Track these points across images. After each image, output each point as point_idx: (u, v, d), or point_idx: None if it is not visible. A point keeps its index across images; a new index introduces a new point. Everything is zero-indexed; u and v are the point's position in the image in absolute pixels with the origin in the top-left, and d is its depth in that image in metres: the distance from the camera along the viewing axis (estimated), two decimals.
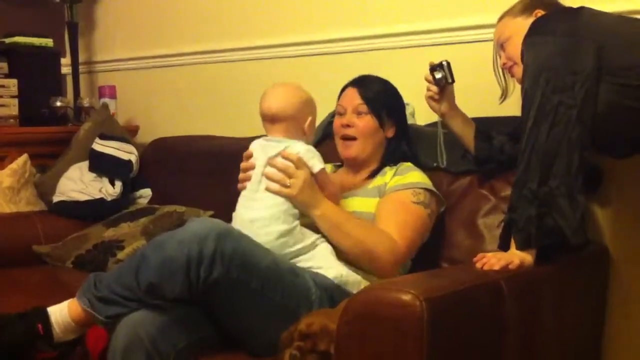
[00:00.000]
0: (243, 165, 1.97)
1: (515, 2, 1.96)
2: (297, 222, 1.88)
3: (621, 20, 1.76)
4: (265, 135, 2.00)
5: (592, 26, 1.71)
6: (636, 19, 1.78)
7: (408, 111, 2.32)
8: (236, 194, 1.98)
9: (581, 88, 1.64)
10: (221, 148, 2.75)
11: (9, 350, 1.71)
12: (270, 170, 1.91)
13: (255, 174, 1.93)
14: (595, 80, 1.64)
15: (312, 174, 1.92)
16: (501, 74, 2.02)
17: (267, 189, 1.90)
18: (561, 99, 1.64)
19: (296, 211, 1.90)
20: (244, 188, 1.95)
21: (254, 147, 1.98)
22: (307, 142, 1.98)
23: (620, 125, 1.70)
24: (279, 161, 1.91)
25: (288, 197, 1.88)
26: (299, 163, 1.90)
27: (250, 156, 1.96)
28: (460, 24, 2.33)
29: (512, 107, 2.11)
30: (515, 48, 1.84)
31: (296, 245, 1.87)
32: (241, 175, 1.97)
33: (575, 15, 1.74)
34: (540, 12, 1.87)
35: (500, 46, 1.95)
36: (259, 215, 1.87)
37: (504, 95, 2.03)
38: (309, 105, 1.99)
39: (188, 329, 1.71)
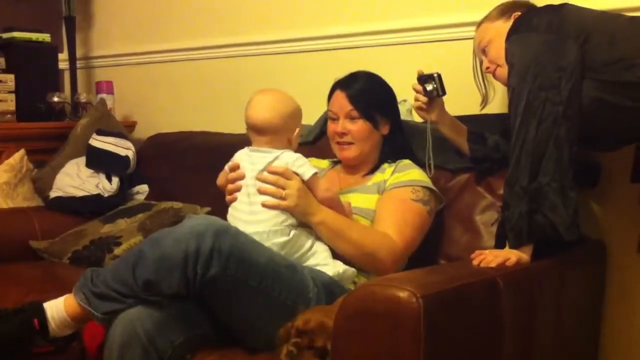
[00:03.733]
0: (231, 176, 1.93)
1: (492, 9, 1.97)
2: (293, 232, 1.87)
3: (602, 16, 1.77)
4: (249, 143, 1.97)
5: (575, 22, 1.71)
6: (618, 15, 1.79)
7: (405, 107, 2.32)
8: None
9: (567, 84, 1.65)
10: (219, 144, 2.75)
11: (4, 344, 1.70)
12: (262, 185, 1.88)
13: (247, 186, 1.90)
14: (580, 76, 1.65)
15: (303, 181, 1.90)
16: (481, 80, 2.02)
17: (264, 205, 1.86)
18: (548, 96, 1.65)
19: (293, 221, 1.88)
20: (234, 200, 1.92)
21: (239, 157, 1.95)
22: (292, 150, 1.95)
23: (602, 122, 1.70)
24: (268, 175, 1.88)
25: (287, 210, 1.87)
26: (288, 174, 1.88)
27: (237, 167, 1.94)
28: (456, 21, 2.32)
29: (501, 103, 2.12)
30: (497, 50, 1.85)
31: (298, 252, 1.87)
32: (231, 187, 1.93)
33: (558, 12, 1.75)
34: (518, 14, 1.87)
35: (482, 51, 1.96)
36: (258, 229, 1.84)
37: (485, 101, 2.04)
38: (296, 117, 1.96)
39: (185, 325, 1.71)
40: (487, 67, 1.94)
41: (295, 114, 1.96)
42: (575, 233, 1.66)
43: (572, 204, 1.65)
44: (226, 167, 1.98)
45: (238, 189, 1.91)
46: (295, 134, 1.95)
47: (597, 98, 1.66)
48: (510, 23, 1.84)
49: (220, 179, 2.00)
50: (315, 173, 1.92)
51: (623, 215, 1.95)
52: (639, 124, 1.69)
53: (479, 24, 1.99)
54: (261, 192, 1.88)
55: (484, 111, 2.07)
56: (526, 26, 1.75)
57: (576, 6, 1.79)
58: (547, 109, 1.64)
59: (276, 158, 1.90)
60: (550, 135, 1.64)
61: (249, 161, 1.92)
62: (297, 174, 1.89)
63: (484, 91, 2.03)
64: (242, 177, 1.91)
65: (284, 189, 1.86)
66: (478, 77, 2.03)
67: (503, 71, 1.83)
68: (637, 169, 1.77)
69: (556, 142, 1.64)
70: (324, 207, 1.91)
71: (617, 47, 1.67)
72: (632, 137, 1.75)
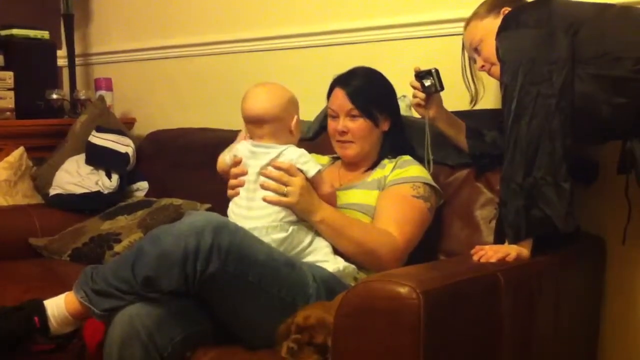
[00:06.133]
0: (234, 171, 1.93)
1: (478, 6, 1.96)
2: (292, 227, 1.87)
3: (592, 8, 1.76)
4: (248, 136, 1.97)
5: (564, 16, 1.71)
6: (607, 6, 1.78)
7: (405, 103, 2.32)
8: None
9: (558, 77, 1.65)
10: (218, 140, 2.73)
11: (5, 342, 1.71)
12: (265, 181, 1.88)
13: (248, 181, 1.90)
14: (571, 68, 1.65)
15: (307, 179, 1.90)
16: (470, 79, 2.02)
17: (265, 200, 1.86)
18: (539, 90, 1.65)
19: (292, 218, 1.88)
20: (236, 194, 1.92)
21: (242, 151, 1.94)
22: (295, 142, 1.95)
23: (593, 118, 1.70)
24: (272, 171, 1.88)
25: (288, 206, 1.86)
26: (292, 170, 1.88)
27: (240, 162, 1.93)
28: (454, 16, 2.31)
29: (495, 99, 2.12)
30: (490, 49, 1.84)
31: (297, 248, 1.87)
32: (233, 182, 1.93)
33: (546, 6, 1.74)
34: (507, 10, 1.87)
35: (475, 50, 1.95)
36: (257, 225, 1.84)
37: (474, 100, 2.03)
38: (293, 104, 1.95)
39: (185, 322, 1.71)
40: (482, 66, 1.94)
41: (291, 101, 1.95)
42: (571, 224, 1.67)
43: (566, 196, 1.65)
44: (227, 158, 1.98)
45: (241, 185, 1.91)
46: (294, 122, 1.94)
47: (587, 95, 1.67)
48: (499, 19, 1.83)
49: (221, 165, 2.00)
50: (319, 170, 1.92)
51: (621, 211, 1.95)
52: (629, 119, 1.69)
53: (467, 23, 1.98)
54: (264, 187, 1.88)
55: (478, 107, 2.07)
56: (515, 22, 1.75)
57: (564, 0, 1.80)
58: (539, 103, 1.65)
59: (280, 154, 1.89)
60: (543, 129, 1.65)
61: (253, 157, 1.92)
62: (301, 170, 1.89)
63: (473, 90, 2.03)
64: (245, 174, 1.91)
65: (286, 185, 1.86)
66: (467, 76, 2.02)
67: (498, 69, 1.83)
68: (623, 161, 1.78)
69: (549, 135, 1.64)
70: (326, 205, 1.91)
71: (606, 39, 1.67)
72: (621, 132, 1.75)
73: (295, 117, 1.95)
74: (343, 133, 2.08)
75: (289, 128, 1.94)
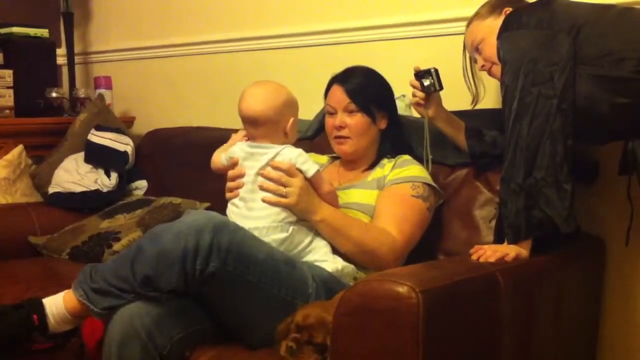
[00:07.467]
0: (232, 173, 1.93)
1: (480, 6, 1.96)
2: (293, 228, 1.87)
3: (593, 9, 1.76)
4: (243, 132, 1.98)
5: (565, 16, 1.71)
6: (607, 7, 1.78)
7: (404, 103, 2.32)
8: None
9: (560, 78, 1.65)
10: (217, 139, 2.72)
11: (4, 341, 1.70)
12: (264, 182, 1.88)
13: (246, 182, 1.90)
14: (573, 69, 1.65)
15: (306, 178, 1.90)
16: (471, 79, 2.02)
17: (265, 201, 1.86)
18: (541, 91, 1.65)
19: (293, 218, 1.87)
20: (235, 196, 1.91)
21: (237, 152, 1.94)
22: (290, 143, 1.95)
23: (595, 119, 1.70)
24: (271, 171, 1.88)
25: (287, 207, 1.86)
26: (292, 171, 1.88)
27: (237, 163, 1.93)
28: (453, 16, 2.31)
29: (496, 99, 2.12)
30: (491, 48, 1.84)
31: (297, 248, 1.87)
32: (231, 184, 1.93)
33: (548, 7, 1.75)
34: (509, 10, 1.87)
35: (476, 49, 1.95)
36: (257, 225, 1.84)
37: (475, 100, 2.03)
38: (290, 106, 1.95)
39: (184, 321, 1.71)
40: (483, 66, 1.94)
41: (288, 103, 1.94)
42: (572, 225, 1.67)
43: (568, 197, 1.66)
44: (223, 157, 1.98)
45: (239, 187, 1.91)
46: (289, 124, 1.93)
47: (589, 95, 1.67)
48: (501, 19, 1.84)
49: (215, 163, 2.00)
50: (318, 169, 1.92)
51: (621, 211, 1.95)
52: (631, 119, 1.69)
53: (468, 23, 1.98)
54: (263, 188, 1.88)
55: (478, 107, 2.07)
56: (517, 23, 1.75)
57: (566, 0, 1.79)
58: (540, 104, 1.65)
59: (277, 154, 1.89)
60: (544, 130, 1.65)
61: (250, 158, 1.92)
62: (300, 170, 1.89)
63: (474, 90, 2.03)
64: (242, 175, 1.91)
65: (286, 186, 1.86)
66: (468, 76, 2.02)
67: (499, 69, 1.83)
68: (624, 161, 1.78)
69: (550, 137, 1.65)
70: (326, 205, 1.91)
71: (607, 40, 1.67)
72: (623, 133, 1.75)
73: (291, 119, 1.94)
74: (340, 128, 2.08)
75: (284, 130, 1.93)
